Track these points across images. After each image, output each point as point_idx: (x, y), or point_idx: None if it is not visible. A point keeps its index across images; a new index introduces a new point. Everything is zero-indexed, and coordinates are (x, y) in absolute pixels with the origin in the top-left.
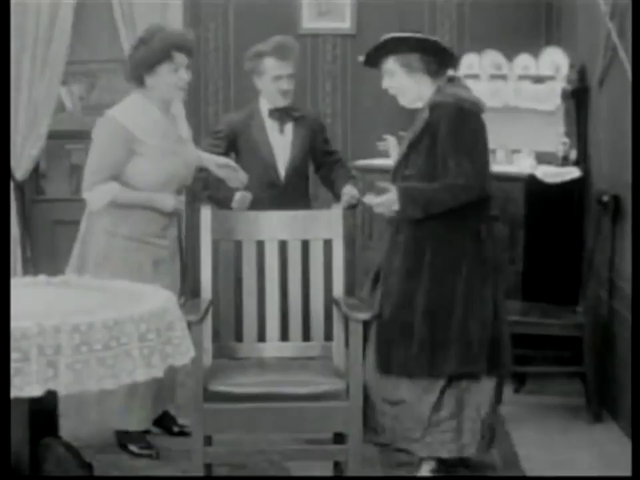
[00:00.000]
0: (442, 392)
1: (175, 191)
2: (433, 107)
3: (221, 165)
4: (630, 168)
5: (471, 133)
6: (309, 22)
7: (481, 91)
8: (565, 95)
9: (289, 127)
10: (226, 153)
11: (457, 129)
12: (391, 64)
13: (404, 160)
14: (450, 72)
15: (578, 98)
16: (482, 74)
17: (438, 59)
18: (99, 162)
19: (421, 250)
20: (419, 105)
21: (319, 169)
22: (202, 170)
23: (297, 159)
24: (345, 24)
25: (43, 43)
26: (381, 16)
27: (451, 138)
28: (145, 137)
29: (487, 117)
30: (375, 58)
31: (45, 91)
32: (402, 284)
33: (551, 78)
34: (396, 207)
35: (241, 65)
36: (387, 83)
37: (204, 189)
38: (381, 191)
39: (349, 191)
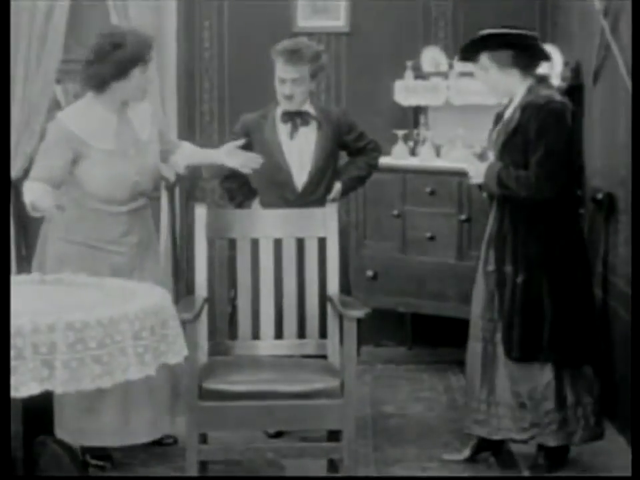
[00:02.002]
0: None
1: (130, 197)
2: (525, 107)
3: (229, 152)
4: (624, 165)
5: (556, 134)
6: (304, 20)
7: (475, 88)
8: (560, 93)
9: (305, 132)
10: None
11: (545, 130)
12: (484, 60)
13: (499, 158)
14: (539, 68)
15: (572, 95)
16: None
17: (530, 53)
18: (40, 160)
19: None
20: (502, 99)
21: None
22: (227, 178)
23: (317, 168)
24: (340, 22)
25: (37, 41)
26: (375, 14)
27: (538, 138)
28: (92, 141)
29: (480, 115)
30: (470, 53)
31: (40, 89)
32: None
33: (546, 75)
34: (480, 179)
35: (236, 63)
36: (480, 78)
37: (232, 200)
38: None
39: (336, 188)
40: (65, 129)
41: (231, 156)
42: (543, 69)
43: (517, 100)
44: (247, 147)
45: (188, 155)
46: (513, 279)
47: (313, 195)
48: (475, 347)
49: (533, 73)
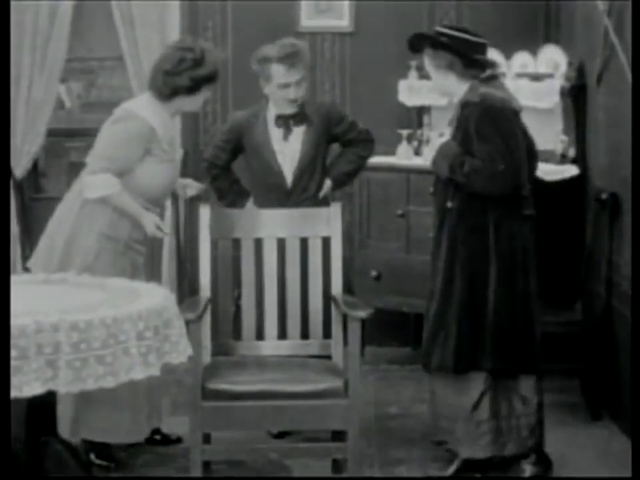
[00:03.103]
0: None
1: (167, 199)
2: (463, 105)
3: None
4: (628, 165)
5: (494, 129)
6: (308, 20)
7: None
8: (563, 93)
9: (297, 131)
10: (232, 156)
11: (481, 126)
12: (425, 57)
13: None
14: (490, 71)
15: (576, 96)
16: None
17: (466, 61)
18: (114, 153)
19: (455, 249)
20: (447, 100)
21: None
22: (216, 178)
23: (303, 164)
24: (344, 22)
25: (42, 40)
26: (379, 14)
27: (477, 134)
28: (161, 139)
29: None
30: (414, 47)
31: (44, 88)
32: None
33: (549, 76)
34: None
35: (239, 64)
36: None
37: (221, 199)
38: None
39: (326, 185)
40: (148, 125)
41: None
42: (547, 68)
43: (457, 99)
44: (237, 148)
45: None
46: (449, 285)
47: (305, 193)
48: None
49: (476, 75)
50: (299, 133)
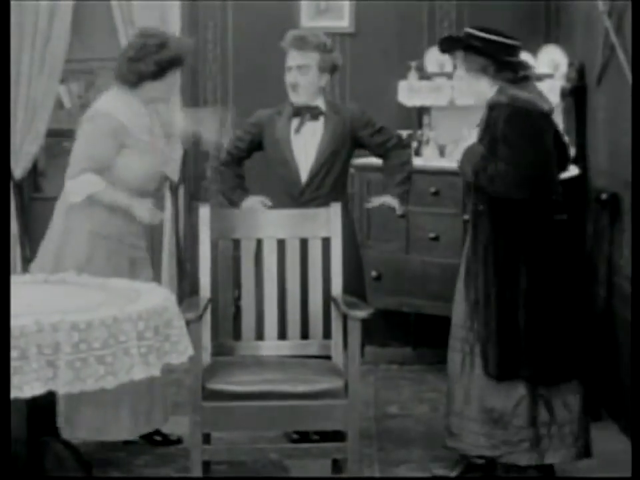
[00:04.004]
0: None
1: (156, 189)
2: (491, 107)
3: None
4: (628, 166)
5: (520, 133)
6: (308, 20)
7: (480, 89)
8: (564, 93)
9: (313, 126)
10: (248, 149)
11: (507, 129)
12: (457, 59)
13: None
14: (522, 72)
15: (576, 96)
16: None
17: (500, 64)
18: (88, 152)
19: (487, 253)
20: (476, 102)
21: (383, 160)
22: (222, 164)
23: (320, 160)
24: (344, 22)
25: (41, 41)
26: (379, 14)
27: (503, 137)
28: (135, 131)
29: None
30: (446, 48)
31: (44, 89)
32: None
33: (550, 76)
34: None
35: (240, 63)
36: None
37: (217, 182)
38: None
39: (386, 200)
40: (115, 120)
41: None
42: (547, 69)
43: (489, 100)
44: (255, 142)
45: None
46: (486, 292)
47: (318, 191)
48: (454, 358)
49: (509, 77)
50: (316, 129)
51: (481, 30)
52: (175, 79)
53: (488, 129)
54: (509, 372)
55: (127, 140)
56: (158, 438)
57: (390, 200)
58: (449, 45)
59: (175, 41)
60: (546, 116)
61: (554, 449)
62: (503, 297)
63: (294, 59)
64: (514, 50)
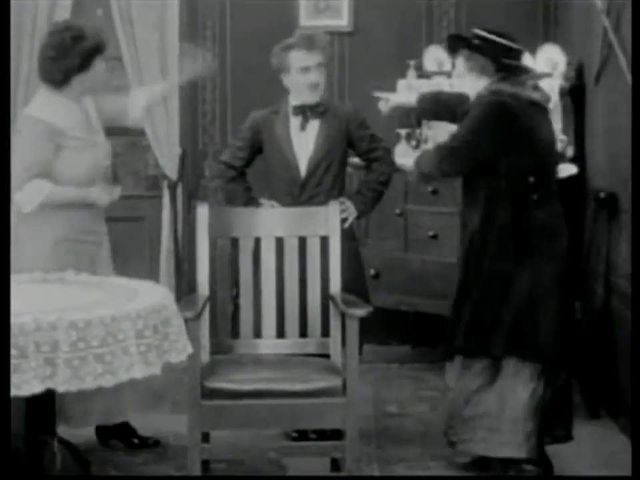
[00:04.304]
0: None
1: (102, 183)
2: (474, 99)
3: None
4: (626, 165)
5: (476, 116)
6: (307, 19)
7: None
8: (562, 92)
9: (314, 123)
10: (250, 156)
11: (472, 112)
12: (460, 57)
13: None
14: (520, 75)
15: (575, 95)
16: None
17: (496, 61)
18: (27, 159)
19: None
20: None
21: (364, 167)
22: (232, 180)
23: (318, 156)
24: (343, 21)
25: (40, 40)
26: (378, 14)
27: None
28: (68, 130)
29: None
30: (450, 46)
31: None
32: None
33: (548, 75)
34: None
35: (238, 63)
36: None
37: (227, 200)
38: None
39: (344, 207)
40: (44, 122)
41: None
42: (546, 68)
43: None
44: (256, 146)
45: (142, 92)
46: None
47: (317, 188)
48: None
49: (503, 78)
50: (315, 125)
51: (487, 31)
52: (100, 67)
53: (462, 121)
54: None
55: (63, 141)
56: (136, 441)
57: (348, 204)
58: (453, 43)
59: (90, 29)
60: (535, 104)
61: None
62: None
63: (312, 58)
64: (516, 53)
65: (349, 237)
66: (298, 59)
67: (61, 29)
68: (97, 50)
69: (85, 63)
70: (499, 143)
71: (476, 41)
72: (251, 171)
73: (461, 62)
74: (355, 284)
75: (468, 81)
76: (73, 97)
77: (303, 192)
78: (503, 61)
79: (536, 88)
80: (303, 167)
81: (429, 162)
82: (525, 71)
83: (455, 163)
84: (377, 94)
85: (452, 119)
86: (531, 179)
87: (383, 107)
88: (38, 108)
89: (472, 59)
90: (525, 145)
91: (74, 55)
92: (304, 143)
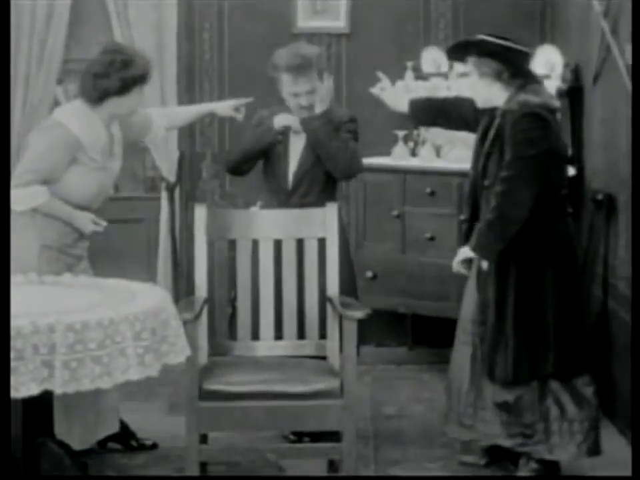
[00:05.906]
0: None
1: (97, 206)
2: (502, 114)
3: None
4: (624, 166)
5: (527, 135)
6: (304, 21)
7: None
8: (560, 94)
9: (302, 135)
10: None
11: (516, 133)
12: (469, 64)
13: (482, 170)
14: (533, 79)
15: (572, 97)
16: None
17: (513, 70)
18: (38, 163)
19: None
20: (484, 105)
21: None
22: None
23: (304, 164)
24: (340, 23)
25: (38, 41)
26: (375, 15)
27: (511, 141)
28: (88, 148)
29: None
30: (456, 54)
31: (41, 89)
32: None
33: (546, 77)
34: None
35: (236, 64)
36: (468, 81)
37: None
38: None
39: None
40: (72, 134)
41: (222, 106)
42: (543, 69)
43: (500, 108)
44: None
45: (167, 114)
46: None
47: (305, 198)
48: (463, 351)
49: (521, 85)
50: (303, 136)
51: (494, 36)
52: (139, 95)
53: (498, 137)
54: (524, 375)
55: (80, 156)
56: (134, 443)
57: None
58: (464, 49)
59: (139, 58)
60: (554, 111)
61: (563, 445)
62: (520, 298)
63: (300, 86)
64: (527, 57)
65: (339, 237)
66: (287, 82)
67: (113, 49)
68: (140, 79)
69: (123, 88)
70: (555, 156)
71: (491, 47)
72: (244, 179)
73: (471, 67)
74: (344, 283)
75: (465, 83)
76: (104, 118)
77: (289, 201)
78: (519, 65)
79: (551, 96)
80: (290, 175)
81: (512, 207)
82: (536, 76)
83: (534, 188)
84: (379, 75)
85: (447, 125)
86: (564, 191)
87: (377, 91)
88: (68, 116)
89: (484, 65)
90: (564, 156)
91: (116, 78)
92: (294, 149)
